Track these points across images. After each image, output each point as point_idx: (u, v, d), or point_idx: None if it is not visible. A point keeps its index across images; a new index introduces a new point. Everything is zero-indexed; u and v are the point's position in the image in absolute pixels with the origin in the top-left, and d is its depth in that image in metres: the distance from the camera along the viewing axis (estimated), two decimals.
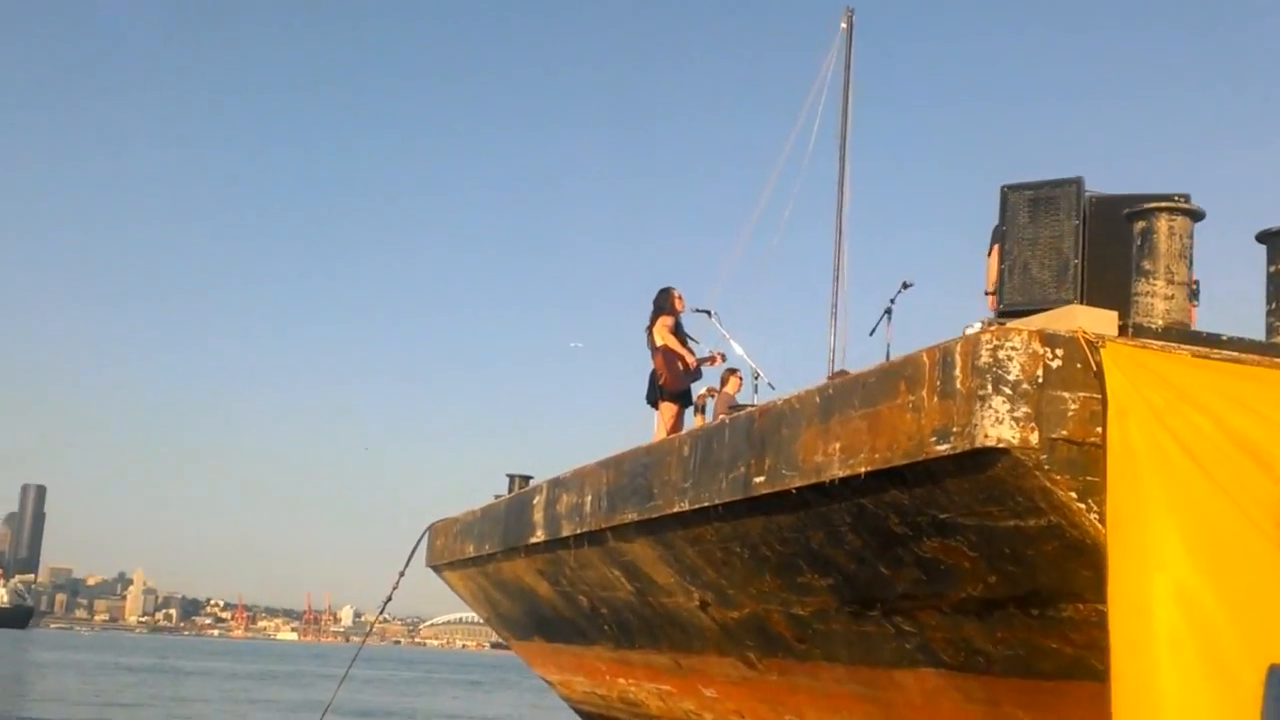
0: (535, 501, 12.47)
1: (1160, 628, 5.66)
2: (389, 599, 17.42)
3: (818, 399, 7.48)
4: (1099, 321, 6.28)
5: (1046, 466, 6.04)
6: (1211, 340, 6.45)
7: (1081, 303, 7.66)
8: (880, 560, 7.49)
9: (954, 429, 6.25)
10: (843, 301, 16.24)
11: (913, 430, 6.53)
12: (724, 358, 12.86)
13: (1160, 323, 6.49)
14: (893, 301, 11.57)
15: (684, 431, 10.80)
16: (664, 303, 12.45)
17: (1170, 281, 6.52)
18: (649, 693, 12.21)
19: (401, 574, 17.01)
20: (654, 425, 12.52)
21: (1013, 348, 6.12)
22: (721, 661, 10.28)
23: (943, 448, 6.32)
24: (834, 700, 8.91)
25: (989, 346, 6.15)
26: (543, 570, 12.94)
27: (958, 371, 6.28)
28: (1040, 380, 6.08)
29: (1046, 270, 8.13)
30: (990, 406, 6.08)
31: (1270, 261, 6.92)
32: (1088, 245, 8.02)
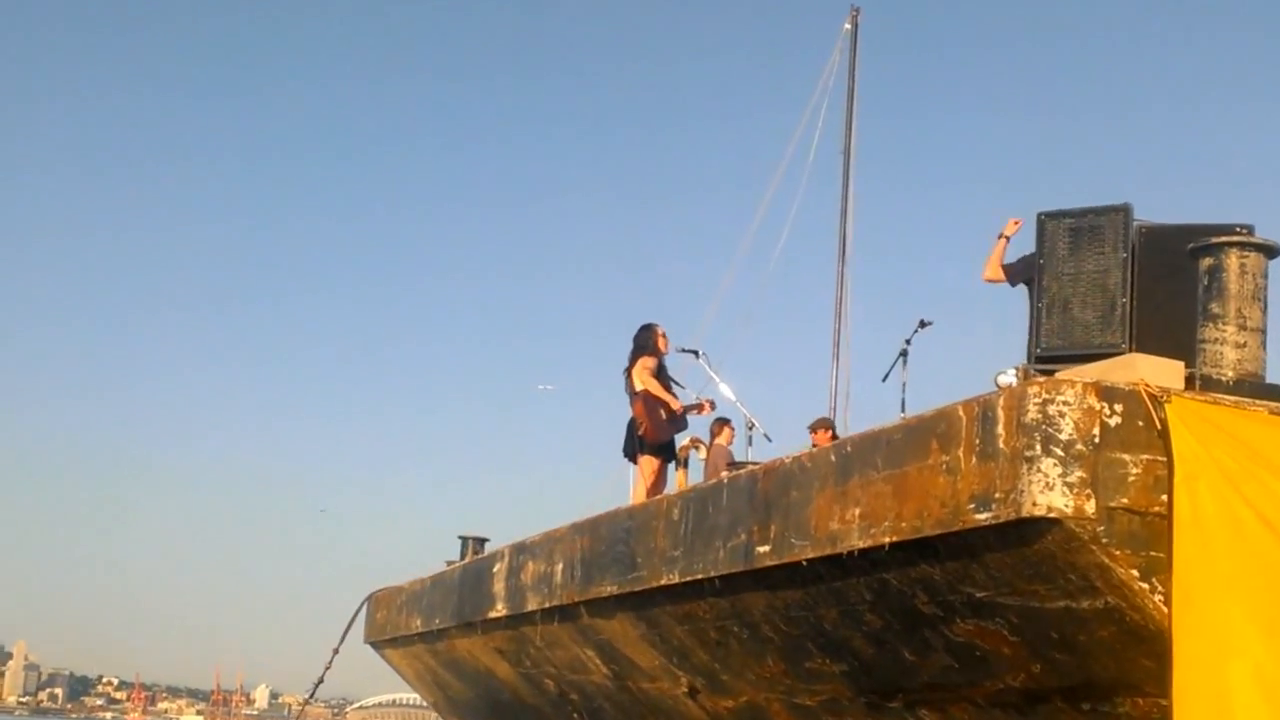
0: (495, 570, 12.35)
1: None
2: (320, 680, 17.27)
3: (833, 458, 7.43)
4: (1163, 372, 6.27)
5: (1104, 540, 6.00)
6: None
7: (1131, 347, 7.64)
8: (904, 644, 7.43)
9: (996, 495, 6.21)
10: (846, 339, 16.31)
11: (947, 496, 6.48)
12: (713, 405, 12.78)
13: (1232, 374, 6.49)
14: (908, 342, 11.54)
15: (673, 491, 10.72)
16: (645, 341, 12.35)
17: (1242, 327, 6.52)
18: None
19: (336, 651, 16.87)
20: (631, 481, 12.43)
21: (1065, 402, 6.08)
22: None
23: (982, 516, 6.27)
24: None
25: (1037, 401, 6.12)
26: (503, 649, 12.81)
27: (1000, 429, 6.24)
28: (1097, 440, 6.05)
29: (1090, 310, 8.12)
30: (1039, 470, 6.04)
31: None
32: (1137, 282, 8.02)
